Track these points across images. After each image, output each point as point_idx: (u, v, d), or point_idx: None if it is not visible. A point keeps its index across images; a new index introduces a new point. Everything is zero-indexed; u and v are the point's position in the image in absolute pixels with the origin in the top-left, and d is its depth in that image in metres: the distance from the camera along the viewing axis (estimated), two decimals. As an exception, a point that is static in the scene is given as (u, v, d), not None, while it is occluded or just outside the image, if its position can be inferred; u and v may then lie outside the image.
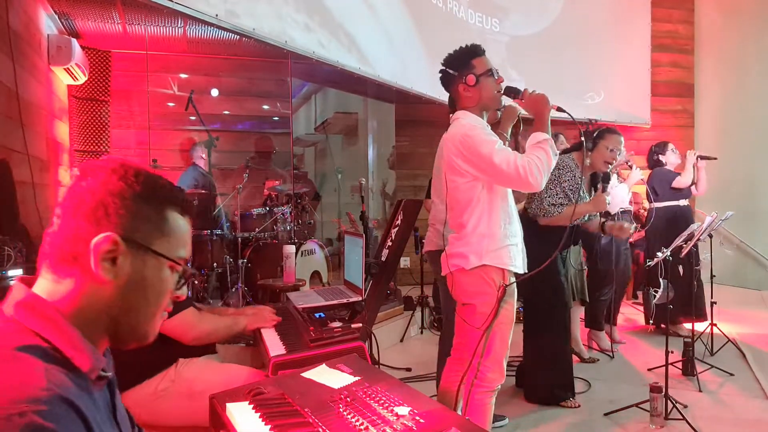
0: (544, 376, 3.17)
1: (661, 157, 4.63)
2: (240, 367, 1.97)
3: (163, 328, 1.88)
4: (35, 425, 0.62)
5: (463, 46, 2.25)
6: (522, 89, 2.22)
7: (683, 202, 4.53)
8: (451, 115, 2.32)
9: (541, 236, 2.91)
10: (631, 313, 5.27)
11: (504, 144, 2.18)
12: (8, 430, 0.61)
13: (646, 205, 5.91)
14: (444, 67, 2.27)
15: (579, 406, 3.11)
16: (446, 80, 2.28)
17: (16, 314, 0.76)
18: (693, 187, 4.58)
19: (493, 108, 2.25)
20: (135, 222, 0.81)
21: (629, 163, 4.24)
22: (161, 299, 0.86)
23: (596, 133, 3.29)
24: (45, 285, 0.80)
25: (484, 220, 2.12)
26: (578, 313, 3.91)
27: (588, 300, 3.92)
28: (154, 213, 0.83)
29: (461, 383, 2.17)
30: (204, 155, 4.98)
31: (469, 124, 2.14)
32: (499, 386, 2.20)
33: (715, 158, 4.51)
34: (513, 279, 2.17)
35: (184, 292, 0.89)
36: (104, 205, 0.79)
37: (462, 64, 2.21)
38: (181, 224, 0.87)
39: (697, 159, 4.50)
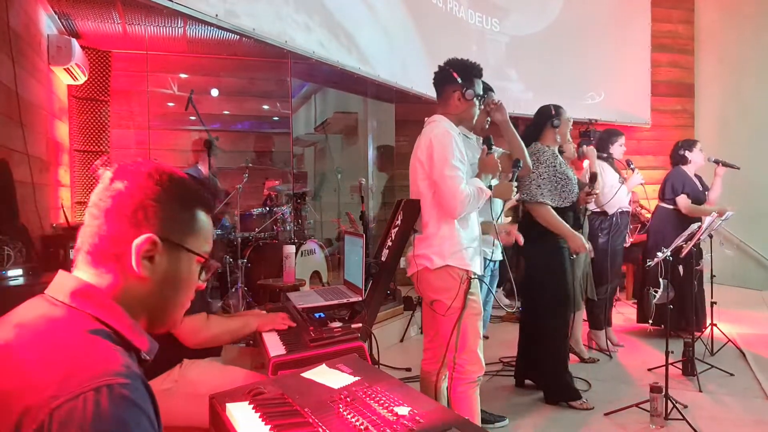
0: (555, 375, 3.16)
1: (687, 153, 4.33)
2: (242, 370, 1.97)
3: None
4: (121, 396, 0.69)
5: (472, 61, 2.37)
6: (492, 143, 2.41)
7: None
8: (426, 118, 2.41)
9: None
10: (631, 313, 5.26)
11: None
12: (97, 400, 0.68)
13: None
14: (449, 68, 2.35)
15: (593, 408, 3.06)
16: (445, 80, 2.37)
17: (73, 301, 0.81)
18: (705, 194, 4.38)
19: (467, 124, 2.44)
20: (170, 223, 0.88)
21: (631, 166, 4.20)
22: (190, 290, 0.95)
23: (555, 112, 3.12)
24: (88, 279, 0.85)
25: (443, 224, 2.24)
26: (581, 313, 3.90)
27: (595, 298, 3.90)
28: (185, 213, 0.91)
29: (438, 378, 2.25)
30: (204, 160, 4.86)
31: (444, 130, 2.25)
32: (481, 377, 2.23)
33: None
34: (476, 275, 2.26)
35: (204, 282, 0.97)
36: (143, 208, 0.86)
37: (468, 76, 2.33)
38: (206, 221, 0.95)
39: (718, 164, 4.26)
